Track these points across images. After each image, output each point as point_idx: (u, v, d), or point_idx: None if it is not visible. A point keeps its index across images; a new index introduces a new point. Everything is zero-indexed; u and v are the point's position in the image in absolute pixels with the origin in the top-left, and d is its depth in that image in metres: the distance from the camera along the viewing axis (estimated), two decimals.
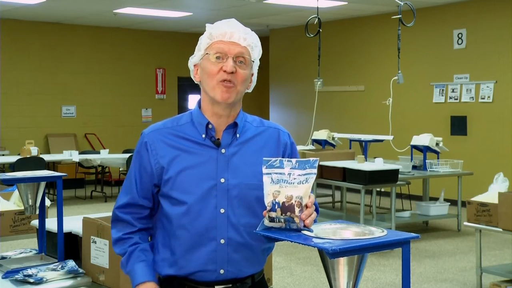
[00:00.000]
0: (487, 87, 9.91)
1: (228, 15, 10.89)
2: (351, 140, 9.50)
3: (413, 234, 1.84)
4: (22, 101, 12.32)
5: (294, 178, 1.89)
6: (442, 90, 10.53)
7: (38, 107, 12.50)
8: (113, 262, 2.96)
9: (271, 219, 1.88)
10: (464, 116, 10.22)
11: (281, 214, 1.86)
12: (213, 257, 2.04)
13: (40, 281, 2.96)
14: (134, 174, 2.12)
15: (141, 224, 2.14)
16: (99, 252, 3.03)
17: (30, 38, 12.37)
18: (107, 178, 12.06)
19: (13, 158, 9.93)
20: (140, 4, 10.47)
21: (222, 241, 2.04)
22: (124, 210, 2.14)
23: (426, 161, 8.26)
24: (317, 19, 8.33)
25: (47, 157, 10.32)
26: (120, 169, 11.51)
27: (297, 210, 1.85)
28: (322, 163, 7.47)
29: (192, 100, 14.59)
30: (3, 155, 11.27)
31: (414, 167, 8.21)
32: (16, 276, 3.00)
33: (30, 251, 3.51)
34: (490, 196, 5.43)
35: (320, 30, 8.47)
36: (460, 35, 10.26)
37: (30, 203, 3.25)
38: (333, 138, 9.58)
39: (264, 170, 1.92)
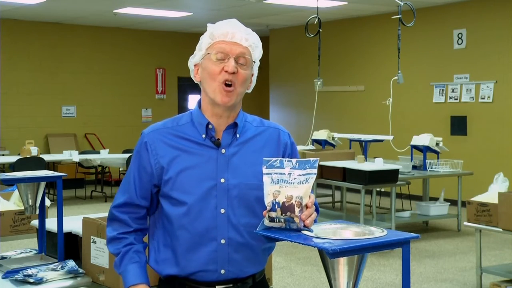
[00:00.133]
0: (487, 87, 9.91)
1: (228, 15, 10.90)
2: (351, 140, 9.50)
3: (413, 234, 1.84)
4: (22, 101, 12.32)
5: (294, 178, 1.89)
6: (442, 90, 10.53)
7: (38, 107, 12.51)
8: (113, 262, 2.96)
9: (271, 219, 1.88)
10: (464, 116, 10.22)
11: (281, 214, 1.86)
12: (213, 257, 2.04)
13: (40, 281, 2.95)
14: (133, 174, 2.12)
15: (137, 225, 2.14)
16: (99, 252, 3.03)
17: (30, 38, 12.38)
18: (107, 178, 12.06)
19: (13, 158, 9.94)
20: (140, 4, 10.47)
21: (223, 241, 2.04)
22: (121, 210, 2.14)
23: (426, 161, 8.26)
24: (317, 19, 8.33)
25: (47, 157, 10.33)
26: (120, 169, 11.51)
27: (297, 210, 1.85)
28: (322, 163, 7.47)
29: (192, 100, 14.59)
30: (3, 155, 11.27)
31: (414, 167, 8.21)
32: (16, 276, 3.00)
33: (30, 251, 3.51)
34: (490, 196, 5.43)
35: (320, 30, 8.47)
36: (460, 35, 10.26)
37: (30, 203, 3.25)
38: (333, 138, 9.58)
39: (264, 170, 1.92)
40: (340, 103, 12.30)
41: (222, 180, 2.05)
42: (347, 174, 7.41)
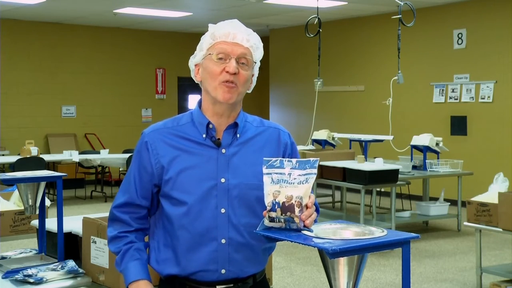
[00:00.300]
0: (487, 87, 9.91)
1: (228, 15, 10.91)
2: (351, 140, 9.50)
3: (413, 234, 1.84)
4: (22, 101, 12.32)
5: (294, 178, 1.89)
6: (442, 90, 10.53)
7: (38, 107, 12.51)
8: (113, 262, 2.95)
9: (271, 219, 1.88)
10: (464, 116, 10.22)
11: (281, 214, 1.86)
12: (214, 257, 2.04)
13: (40, 281, 2.95)
14: (133, 174, 2.12)
15: (138, 224, 2.14)
16: (99, 252, 3.03)
17: (30, 38, 12.38)
18: (107, 178, 12.06)
19: (13, 158, 9.94)
20: (140, 4, 10.48)
21: (223, 241, 2.04)
22: (121, 210, 2.14)
23: (426, 161, 8.26)
24: (317, 19, 8.33)
25: (47, 157, 10.33)
26: (120, 169, 11.51)
27: (297, 210, 1.85)
28: (322, 163, 7.47)
29: (192, 100, 14.59)
30: (3, 155, 11.27)
31: (414, 167, 8.21)
32: (16, 276, 3.00)
33: (30, 251, 3.51)
34: (490, 196, 5.43)
35: (320, 30, 8.47)
36: (460, 35, 10.26)
37: (30, 203, 3.25)
38: (333, 138, 9.58)
39: (264, 170, 1.92)
40: (340, 103, 12.30)
41: (223, 180, 2.05)
42: (347, 174, 7.41)
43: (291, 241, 1.81)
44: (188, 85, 14.32)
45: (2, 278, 3.01)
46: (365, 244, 1.76)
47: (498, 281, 5.48)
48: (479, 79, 10.03)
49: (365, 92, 11.88)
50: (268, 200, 1.88)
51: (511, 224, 5.09)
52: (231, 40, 2.05)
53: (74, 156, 10.55)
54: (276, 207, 1.86)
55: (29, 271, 3.01)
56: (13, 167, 9.45)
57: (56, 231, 3.22)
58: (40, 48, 12.50)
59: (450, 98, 10.42)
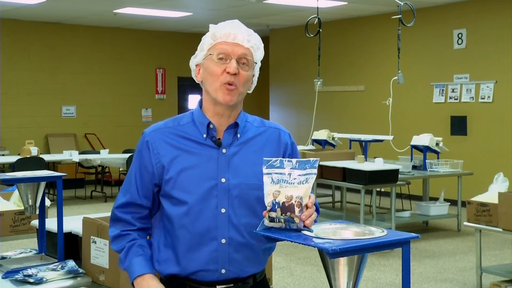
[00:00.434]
0: (487, 87, 9.91)
1: (228, 15, 10.92)
2: (351, 140, 9.50)
3: (413, 234, 1.84)
4: (22, 101, 12.32)
5: (294, 178, 1.89)
6: (442, 90, 10.53)
7: (38, 107, 12.51)
8: (113, 262, 2.96)
9: (271, 219, 1.88)
10: (464, 116, 10.22)
11: (281, 214, 1.86)
12: (214, 257, 2.05)
13: (40, 281, 2.96)
14: (134, 173, 2.12)
15: (140, 224, 2.14)
16: (99, 252, 3.03)
17: (30, 38, 12.38)
18: (107, 178, 12.06)
19: (13, 158, 9.94)
20: (140, 4, 10.48)
21: (223, 241, 2.04)
22: (123, 210, 2.14)
23: (426, 161, 8.26)
24: (317, 19, 8.33)
25: (47, 157, 10.33)
26: (120, 169, 11.52)
27: (297, 210, 1.85)
28: (322, 163, 7.47)
29: (192, 100, 14.59)
30: (3, 155, 11.27)
31: (414, 167, 8.21)
32: (16, 276, 3.00)
33: (30, 251, 3.51)
34: (490, 196, 5.43)
35: (320, 30, 8.47)
36: (460, 35, 10.27)
37: (30, 203, 3.25)
38: (333, 138, 9.58)
39: (265, 170, 1.92)
40: (340, 103, 12.30)
41: (223, 180, 2.05)
42: (347, 174, 7.41)
43: (291, 241, 1.81)
44: (188, 85, 14.32)
45: (2, 278, 3.01)
46: (365, 244, 1.76)
47: (498, 281, 5.48)
48: (479, 79, 10.03)
49: (365, 92, 11.88)
50: (268, 200, 1.88)
51: (511, 224, 5.09)
52: (231, 40, 2.05)
53: (74, 156, 10.55)
54: (276, 207, 1.87)
55: (29, 271, 3.01)
56: (13, 167, 9.45)
57: (56, 231, 3.22)
58: (40, 48, 12.51)
59: (450, 98, 10.42)
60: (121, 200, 2.14)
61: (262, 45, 2.13)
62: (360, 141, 9.18)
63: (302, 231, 1.86)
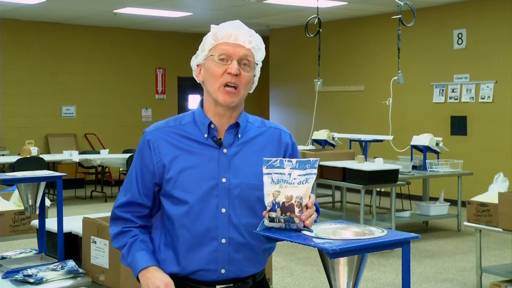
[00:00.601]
0: (487, 87, 9.92)
1: (228, 15, 10.92)
2: (351, 140, 9.50)
3: (413, 234, 1.84)
4: (22, 101, 12.32)
5: (294, 178, 1.89)
6: (442, 90, 10.53)
7: (38, 107, 12.51)
8: (113, 262, 2.96)
9: (271, 219, 1.88)
10: (464, 116, 10.22)
11: (281, 214, 1.86)
12: (214, 256, 2.05)
13: (40, 281, 2.96)
14: (135, 172, 2.12)
15: (141, 222, 2.14)
16: (99, 252, 3.03)
17: (30, 38, 12.38)
18: (107, 178, 12.06)
19: (13, 158, 9.93)
20: (140, 4, 10.47)
21: (223, 240, 2.04)
22: (124, 209, 2.13)
23: (426, 161, 8.26)
24: (317, 19, 8.33)
25: (47, 157, 10.32)
26: (120, 169, 11.52)
27: (297, 210, 1.85)
28: (322, 163, 7.47)
29: (192, 100, 14.59)
30: (3, 155, 11.27)
31: (414, 167, 8.21)
32: (16, 276, 3.00)
33: (30, 251, 3.51)
34: (490, 196, 5.43)
35: (320, 30, 8.47)
36: (460, 35, 10.27)
37: (30, 203, 3.25)
38: (333, 138, 9.58)
39: (265, 170, 1.92)
40: (340, 103, 12.30)
41: (224, 180, 2.05)
42: (347, 174, 7.41)
43: (291, 241, 1.81)
44: (188, 85, 14.32)
45: (2, 278, 3.01)
46: (365, 244, 1.76)
47: (498, 281, 5.48)
48: (479, 79, 10.03)
49: (365, 92, 11.88)
50: (268, 200, 1.89)
51: (511, 224, 5.09)
52: (233, 41, 2.05)
53: (74, 156, 10.55)
54: (276, 207, 1.87)
55: (29, 271, 3.02)
56: (13, 167, 9.45)
57: (56, 231, 3.22)
58: (40, 48, 12.50)
59: (450, 98, 10.42)
60: (122, 199, 2.14)
61: (264, 45, 2.13)
62: (360, 141, 9.18)
63: (302, 231, 1.86)
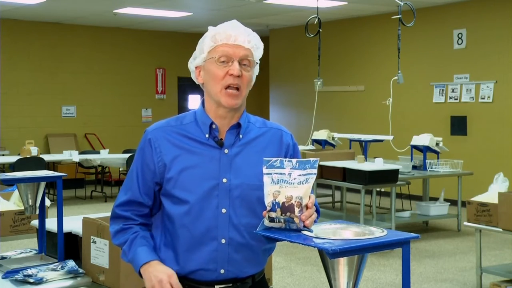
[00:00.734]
0: (487, 87, 9.91)
1: (228, 15, 10.91)
2: (351, 140, 9.50)
3: (413, 234, 1.84)
4: (22, 101, 12.32)
5: (294, 178, 1.89)
6: (442, 90, 10.53)
7: (38, 107, 12.51)
8: (113, 262, 2.96)
9: (271, 219, 1.88)
10: (464, 116, 10.22)
11: (281, 214, 1.86)
12: (213, 256, 2.05)
13: (40, 281, 2.95)
14: (136, 171, 2.12)
15: (141, 220, 2.14)
16: (99, 252, 3.03)
17: (30, 38, 12.38)
18: (107, 178, 12.06)
19: (13, 158, 9.93)
20: (140, 4, 10.47)
21: (223, 241, 2.04)
22: (124, 208, 2.13)
23: (426, 161, 8.26)
24: (317, 19, 8.33)
25: (47, 157, 10.32)
26: (120, 169, 11.52)
27: (296, 210, 1.85)
28: (322, 163, 7.47)
29: (192, 100, 14.58)
30: (3, 155, 11.27)
31: (414, 167, 8.21)
32: (16, 276, 3.00)
33: (30, 251, 3.51)
34: (490, 196, 5.43)
35: (320, 30, 8.47)
36: (460, 35, 10.27)
37: (30, 203, 3.25)
38: (333, 138, 9.58)
39: (265, 170, 1.92)
40: (340, 103, 12.30)
41: (224, 180, 2.05)
42: (347, 174, 7.41)
43: (291, 241, 1.81)
44: (188, 85, 14.32)
45: (2, 278, 3.01)
46: (365, 244, 1.76)
47: (498, 281, 5.48)
48: (479, 79, 10.03)
49: (365, 92, 11.88)
50: (268, 200, 1.89)
51: (511, 224, 5.09)
52: (232, 42, 2.05)
53: (74, 156, 10.55)
54: (276, 207, 1.87)
55: (29, 271, 3.01)
56: (13, 167, 9.45)
57: (56, 231, 3.22)
58: (40, 48, 12.50)
59: (450, 98, 10.42)
60: (122, 198, 2.14)
61: (262, 44, 2.14)
62: (360, 141, 9.18)
63: (302, 231, 1.86)
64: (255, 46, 2.10)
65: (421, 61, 10.83)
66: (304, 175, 1.89)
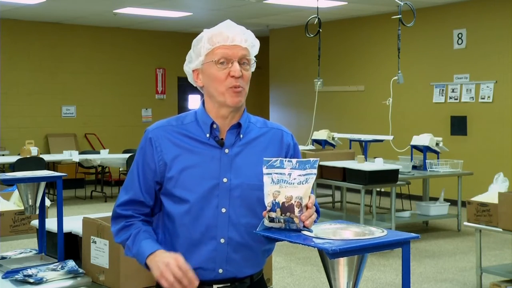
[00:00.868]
0: (487, 87, 9.92)
1: (228, 15, 10.90)
2: (351, 140, 9.51)
3: (413, 234, 1.84)
4: (22, 101, 12.32)
5: (294, 179, 1.89)
6: (442, 90, 10.53)
7: (38, 107, 12.51)
8: (113, 262, 2.96)
9: (271, 220, 1.88)
10: (464, 116, 10.22)
11: (281, 215, 1.86)
12: (212, 256, 2.05)
13: (40, 281, 2.96)
14: (137, 170, 2.12)
15: (143, 217, 2.13)
16: (99, 252, 3.03)
17: (30, 38, 12.38)
18: (107, 178, 12.06)
19: (13, 158, 9.94)
20: (140, 4, 10.48)
21: (222, 240, 2.04)
22: (125, 207, 2.13)
23: (426, 161, 8.26)
24: (317, 19, 8.33)
25: (47, 157, 10.32)
26: (120, 169, 11.52)
27: (296, 210, 1.85)
28: (322, 163, 7.47)
29: (192, 100, 14.58)
30: (3, 155, 11.27)
31: (414, 167, 8.21)
32: (16, 276, 3.00)
33: (30, 251, 3.51)
34: (490, 196, 5.43)
35: (320, 30, 8.47)
36: (460, 35, 10.27)
37: (30, 203, 3.25)
38: (333, 138, 9.58)
39: (265, 170, 1.92)
40: (340, 103, 12.30)
41: (225, 180, 2.05)
42: (347, 174, 7.41)
43: (291, 241, 1.81)
44: (188, 85, 14.08)
45: (2, 278, 3.01)
46: (365, 244, 1.76)
47: (498, 281, 5.48)
48: (479, 79, 10.03)
49: (365, 92, 11.88)
50: (268, 200, 1.89)
51: (511, 224, 5.09)
52: (230, 43, 2.05)
53: (74, 156, 10.55)
54: (276, 208, 1.87)
55: (29, 271, 3.01)
56: (13, 167, 9.45)
57: (56, 231, 3.22)
58: (40, 48, 12.51)
59: (450, 98, 10.42)
60: (123, 198, 2.13)
61: (257, 41, 2.14)
62: (360, 141, 9.18)
63: (302, 231, 1.86)
64: (251, 44, 2.10)
65: (421, 61, 10.83)
66: (304, 175, 1.89)
